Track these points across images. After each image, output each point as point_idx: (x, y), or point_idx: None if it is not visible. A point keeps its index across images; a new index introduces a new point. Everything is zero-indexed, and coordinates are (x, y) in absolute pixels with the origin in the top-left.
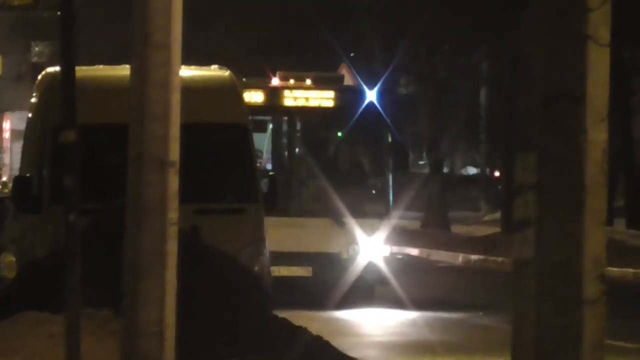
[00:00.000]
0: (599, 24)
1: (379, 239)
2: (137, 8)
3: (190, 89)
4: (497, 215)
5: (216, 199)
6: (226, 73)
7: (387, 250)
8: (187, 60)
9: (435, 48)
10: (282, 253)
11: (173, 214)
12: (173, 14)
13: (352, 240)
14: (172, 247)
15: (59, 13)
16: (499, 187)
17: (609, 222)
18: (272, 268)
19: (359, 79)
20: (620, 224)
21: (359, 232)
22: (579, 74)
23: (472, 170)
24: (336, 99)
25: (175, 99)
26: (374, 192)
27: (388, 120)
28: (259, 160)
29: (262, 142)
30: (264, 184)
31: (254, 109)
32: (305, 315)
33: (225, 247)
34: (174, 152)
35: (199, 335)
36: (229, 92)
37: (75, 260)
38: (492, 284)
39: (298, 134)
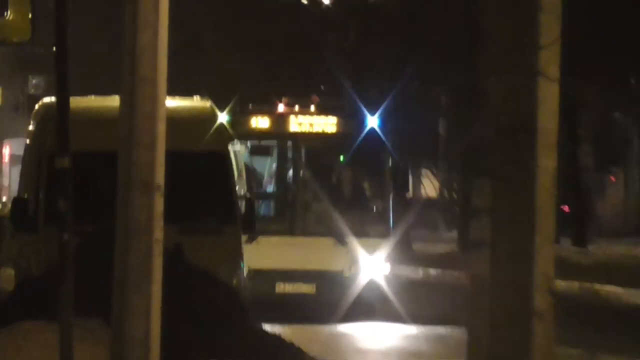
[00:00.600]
0: (549, 61)
1: (380, 258)
2: (126, 45)
3: (174, 118)
4: (454, 234)
5: (198, 220)
6: (207, 104)
7: (387, 268)
8: (173, 91)
9: (397, 81)
10: (287, 271)
11: (158, 234)
12: (159, 51)
13: (354, 259)
14: (157, 263)
15: (54, 49)
16: (456, 209)
17: (557, 240)
18: (277, 284)
19: (362, 106)
20: (566, 242)
21: (360, 252)
22: (531, 106)
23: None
24: (339, 124)
25: (161, 128)
26: (375, 212)
27: (388, 145)
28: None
29: (265, 165)
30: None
31: (261, 133)
32: (308, 330)
33: (205, 264)
34: (160, 176)
35: (181, 345)
36: (210, 122)
37: (68, 275)
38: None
39: (302, 158)
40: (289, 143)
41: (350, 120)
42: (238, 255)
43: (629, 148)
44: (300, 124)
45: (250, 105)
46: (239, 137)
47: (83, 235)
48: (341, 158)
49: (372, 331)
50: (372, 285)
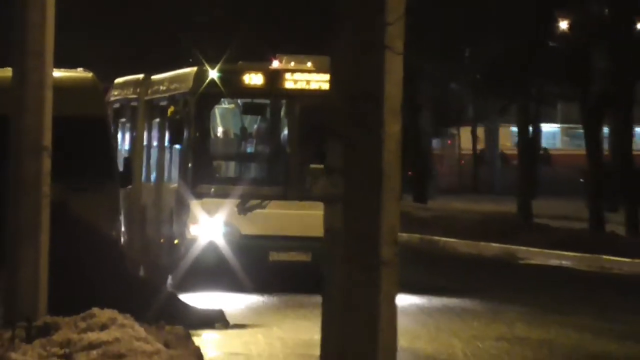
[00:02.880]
0: (395, 36)
1: None
2: (16, 22)
3: (60, 87)
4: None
5: (80, 178)
6: (89, 74)
7: None
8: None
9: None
10: (282, 237)
11: (46, 189)
12: (47, 27)
13: None
14: (45, 217)
15: None
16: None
17: (400, 197)
18: (271, 252)
19: None
20: (408, 199)
21: None
22: (379, 77)
23: None
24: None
25: (48, 96)
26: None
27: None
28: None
29: (257, 125)
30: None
31: (253, 91)
32: (303, 300)
33: (88, 217)
34: (47, 139)
35: (65, 290)
36: (91, 90)
37: None
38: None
39: (297, 118)
40: (283, 101)
41: None
42: (116, 208)
43: (464, 114)
44: (295, 82)
45: (240, 61)
46: (229, 95)
47: None
48: None
49: None
50: None
